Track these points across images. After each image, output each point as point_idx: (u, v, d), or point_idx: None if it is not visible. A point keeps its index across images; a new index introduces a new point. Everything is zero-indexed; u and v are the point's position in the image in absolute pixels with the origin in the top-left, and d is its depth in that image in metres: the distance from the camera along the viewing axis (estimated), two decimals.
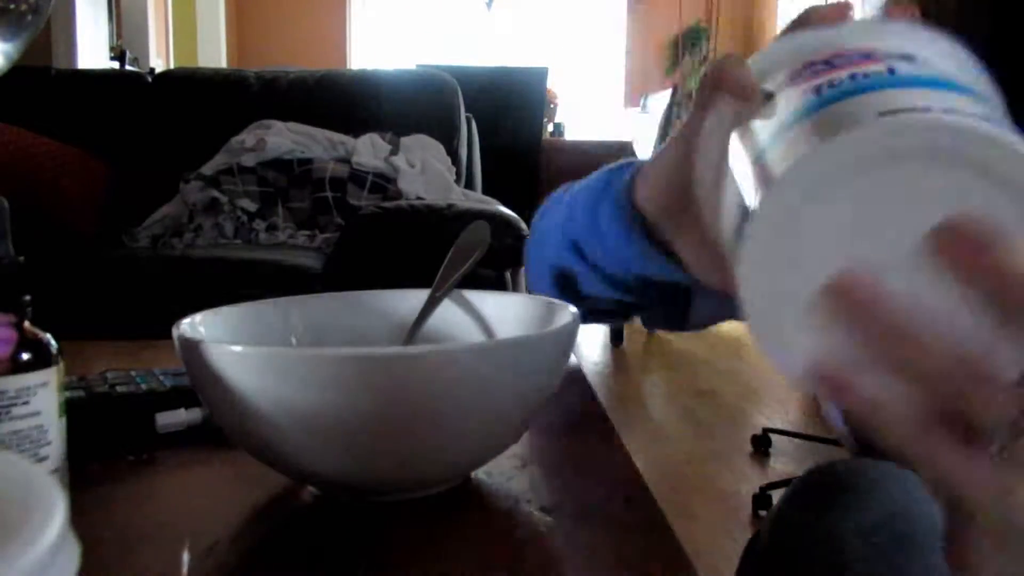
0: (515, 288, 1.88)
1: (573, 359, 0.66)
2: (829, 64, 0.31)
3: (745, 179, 0.31)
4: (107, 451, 0.58)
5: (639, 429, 2.71)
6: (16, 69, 0.50)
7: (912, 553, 0.36)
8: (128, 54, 3.90)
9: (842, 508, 0.39)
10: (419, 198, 2.13)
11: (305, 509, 0.50)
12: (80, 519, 0.25)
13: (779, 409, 2.92)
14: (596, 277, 0.54)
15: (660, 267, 0.48)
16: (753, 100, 0.33)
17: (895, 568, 0.36)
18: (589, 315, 0.62)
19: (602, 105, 6.72)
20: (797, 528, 0.40)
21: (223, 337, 0.54)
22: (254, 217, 2.21)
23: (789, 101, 0.31)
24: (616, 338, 4.04)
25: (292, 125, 2.32)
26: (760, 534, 0.44)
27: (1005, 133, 0.26)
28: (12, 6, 0.47)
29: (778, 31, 0.42)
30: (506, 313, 0.63)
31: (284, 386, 0.44)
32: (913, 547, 0.36)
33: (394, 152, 2.27)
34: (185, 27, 4.73)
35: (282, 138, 2.27)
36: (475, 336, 0.63)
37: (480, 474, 0.54)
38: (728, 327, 0.72)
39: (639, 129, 4.84)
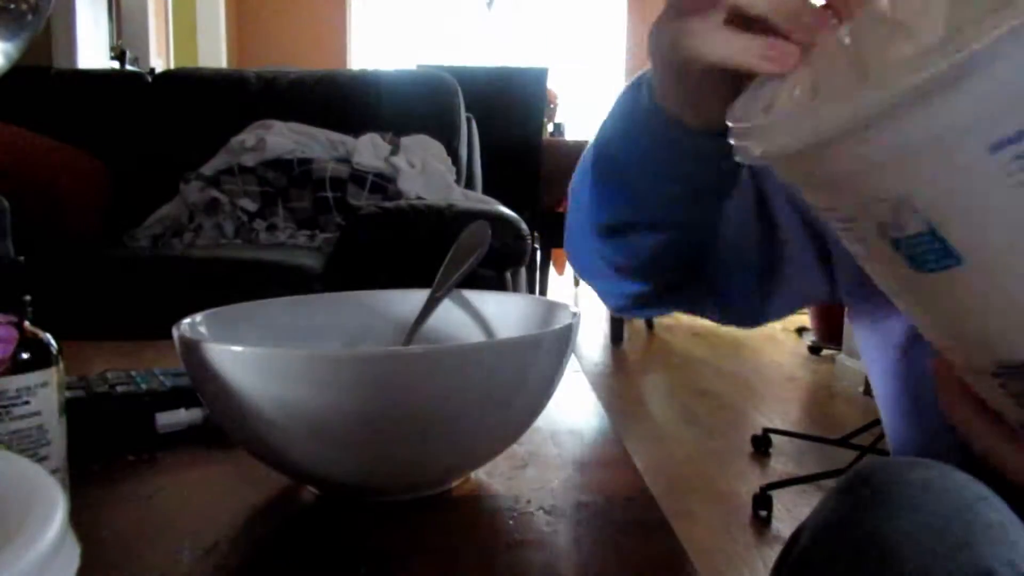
0: (515, 288, 1.88)
1: (573, 359, 0.66)
2: None
3: None
4: (107, 451, 0.58)
5: (639, 429, 2.71)
6: (16, 69, 0.50)
7: (970, 557, 0.34)
8: (128, 54, 3.90)
9: (893, 508, 0.37)
10: (419, 198, 2.13)
11: (305, 509, 0.50)
12: (80, 519, 0.25)
13: (779, 409, 2.92)
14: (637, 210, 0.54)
15: (700, 158, 0.48)
16: None
17: (951, 574, 0.34)
18: (636, 303, 0.61)
19: (602, 105, 6.70)
20: (843, 529, 0.38)
21: (223, 337, 0.54)
22: (254, 217, 2.21)
23: None
24: (616, 338, 4.04)
25: (292, 125, 2.32)
26: (797, 539, 0.42)
27: None
28: (12, 6, 0.47)
29: None
30: (506, 313, 0.63)
31: (284, 386, 0.44)
32: (971, 551, 0.34)
33: (394, 152, 2.27)
34: (185, 27, 4.73)
35: (282, 138, 2.27)
36: (475, 336, 0.63)
37: (480, 474, 0.54)
38: (727, 328, 0.71)
39: None
